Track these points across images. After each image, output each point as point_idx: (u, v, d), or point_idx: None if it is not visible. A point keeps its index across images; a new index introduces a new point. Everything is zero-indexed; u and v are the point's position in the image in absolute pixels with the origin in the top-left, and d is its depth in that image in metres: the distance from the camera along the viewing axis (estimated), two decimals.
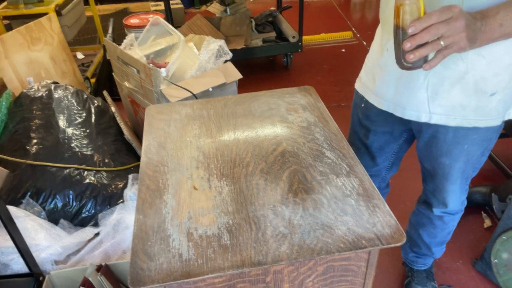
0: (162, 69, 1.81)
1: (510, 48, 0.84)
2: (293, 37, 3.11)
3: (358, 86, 1.23)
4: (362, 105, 1.22)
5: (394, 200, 1.51)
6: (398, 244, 0.72)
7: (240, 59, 2.98)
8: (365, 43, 3.66)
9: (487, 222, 1.88)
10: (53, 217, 1.51)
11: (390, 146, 1.26)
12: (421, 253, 1.51)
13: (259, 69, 3.43)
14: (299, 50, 3.19)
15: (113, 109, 1.97)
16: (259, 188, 0.85)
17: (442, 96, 0.98)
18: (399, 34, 0.76)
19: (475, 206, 1.92)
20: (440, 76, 0.95)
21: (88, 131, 1.75)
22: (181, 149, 0.97)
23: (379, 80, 1.10)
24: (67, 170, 1.57)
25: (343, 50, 3.62)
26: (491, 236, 1.55)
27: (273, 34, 3.29)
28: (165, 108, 1.15)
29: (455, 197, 1.22)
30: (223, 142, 0.99)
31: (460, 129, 1.03)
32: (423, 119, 1.04)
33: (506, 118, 1.04)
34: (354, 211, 0.78)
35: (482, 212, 1.94)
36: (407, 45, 0.73)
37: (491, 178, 2.08)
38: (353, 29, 3.97)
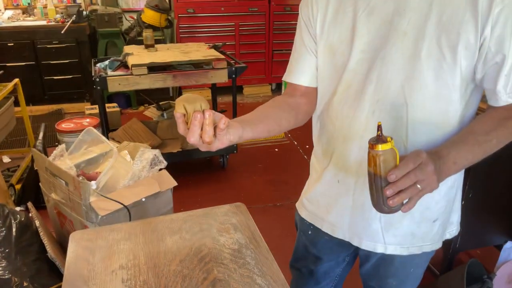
0: (93, 182, 1.77)
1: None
2: None
3: (305, 214, 1.20)
4: (309, 232, 1.22)
5: None
6: None
7: (177, 161, 3.01)
8: (295, 143, 3.87)
9: None
10: None
11: (334, 271, 1.28)
12: None
13: (196, 169, 3.46)
14: (235, 151, 3.29)
15: (37, 223, 1.85)
16: None
17: (395, 227, 1.02)
18: (378, 181, 0.77)
19: None
20: None
21: (7, 251, 1.62)
22: (105, 284, 0.92)
23: (333, 210, 1.11)
24: None
25: (276, 150, 3.79)
26: None
27: None
28: (90, 234, 1.11)
29: None
30: (151, 272, 0.96)
31: (408, 255, 1.07)
32: (379, 249, 1.06)
33: (444, 239, 1.11)
34: None
35: None
36: (389, 192, 0.75)
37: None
38: None
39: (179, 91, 4.91)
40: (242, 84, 5.03)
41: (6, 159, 3.29)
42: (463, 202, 1.74)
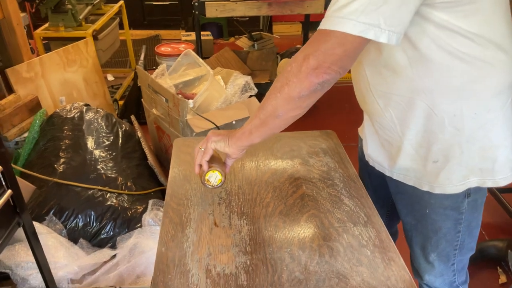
0: (190, 101, 1.88)
1: (426, 117, 0.90)
2: None
3: (359, 130, 1.24)
4: (360, 144, 1.21)
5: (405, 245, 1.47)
6: None
7: (264, 92, 3.05)
8: None
9: (503, 278, 1.84)
10: (73, 236, 1.56)
11: (382, 192, 1.20)
12: None
13: None
14: None
15: (139, 134, 2.04)
16: (277, 229, 0.88)
17: (394, 160, 0.99)
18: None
19: (490, 260, 1.89)
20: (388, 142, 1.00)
21: (114, 154, 1.82)
22: None
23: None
24: (91, 191, 1.62)
25: None
26: None
27: None
28: (191, 142, 1.20)
29: (434, 276, 1.11)
30: (245, 180, 1.03)
31: (416, 190, 1.00)
32: (387, 173, 1.04)
33: (464, 189, 0.97)
34: (370, 262, 0.80)
35: (498, 267, 1.90)
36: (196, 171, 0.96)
37: (509, 232, 2.06)
38: None
39: (269, 24, 4.85)
40: None
41: (110, 77, 3.58)
42: None
